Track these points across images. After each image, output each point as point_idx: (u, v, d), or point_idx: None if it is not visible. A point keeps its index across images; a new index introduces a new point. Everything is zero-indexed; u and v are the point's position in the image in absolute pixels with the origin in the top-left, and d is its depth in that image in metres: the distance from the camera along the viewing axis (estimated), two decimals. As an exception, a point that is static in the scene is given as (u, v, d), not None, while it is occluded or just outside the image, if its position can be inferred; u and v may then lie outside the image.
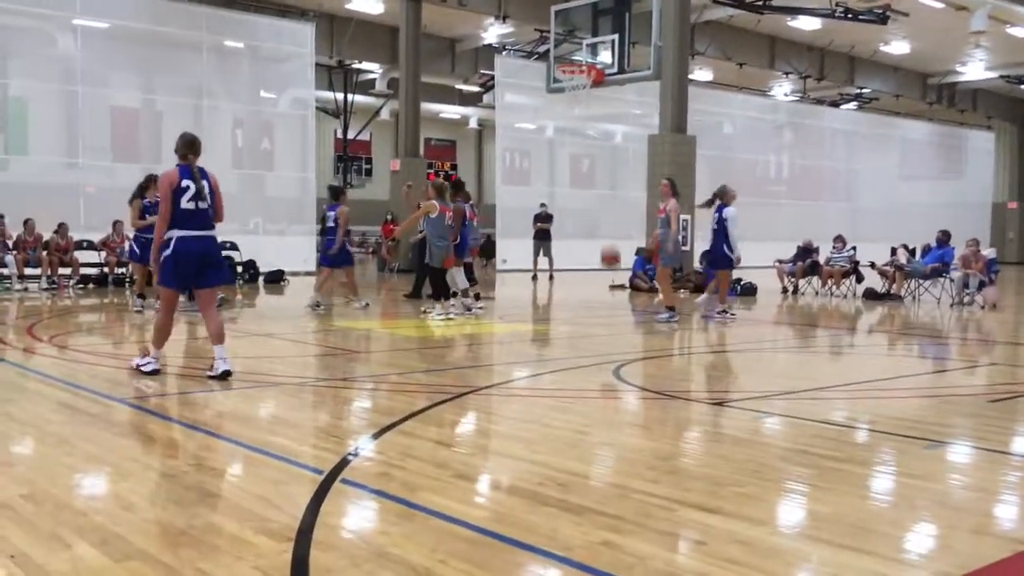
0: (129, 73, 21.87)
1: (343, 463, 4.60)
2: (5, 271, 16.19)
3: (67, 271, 17.12)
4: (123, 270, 17.76)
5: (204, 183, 6.95)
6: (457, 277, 12.48)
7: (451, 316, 11.85)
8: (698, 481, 4.41)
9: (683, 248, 19.50)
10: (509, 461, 4.90)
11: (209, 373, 7.10)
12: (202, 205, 6.93)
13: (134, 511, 3.84)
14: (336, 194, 13.55)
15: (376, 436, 5.28)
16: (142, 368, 7.18)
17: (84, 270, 17.45)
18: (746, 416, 6.15)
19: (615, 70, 16.00)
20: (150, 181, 11.99)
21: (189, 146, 6.98)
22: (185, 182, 6.89)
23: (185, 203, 6.87)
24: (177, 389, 6.96)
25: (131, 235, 13.42)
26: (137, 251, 12.63)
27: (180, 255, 6.90)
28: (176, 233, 6.90)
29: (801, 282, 18.76)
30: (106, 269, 17.69)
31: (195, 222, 6.92)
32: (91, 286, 17.41)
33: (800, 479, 4.49)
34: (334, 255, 13.20)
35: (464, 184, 13.69)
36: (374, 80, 33.40)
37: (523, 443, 5.25)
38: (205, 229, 6.99)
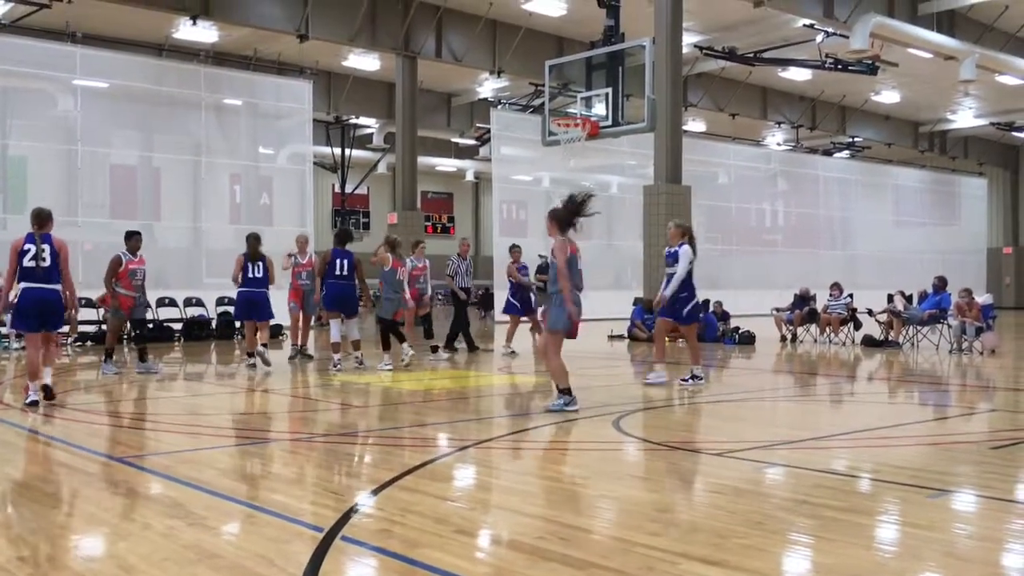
0: (128, 131, 22.05)
1: (343, 520, 4.57)
2: (4, 330, 16.16)
3: (65, 329, 17.05)
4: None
5: (45, 247, 8.42)
6: (331, 331, 12.69)
7: (390, 368, 12.17)
8: (701, 533, 4.38)
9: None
10: (510, 515, 4.86)
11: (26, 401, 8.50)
12: (42, 264, 8.39)
13: (133, 572, 3.81)
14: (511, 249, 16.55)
15: (376, 492, 5.24)
16: (27, 403, 8.47)
17: (82, 327, 17.42)
18: (748, 466, 6.12)
19: (609, 122, 16.14)
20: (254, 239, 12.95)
21: (35, 218, 8.61)
22: (27, 246, 8.45)
23: (26, 262, 8.43)
24: (174, 447, 6.93)
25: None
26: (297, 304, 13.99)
27: (23, 302, 8.49)
28: (22, 285, 8.46)
29: (799, 330, 18.77)
30: (104, 326, 17.66)
31: (34, 277, 8.40)
32: (89, 344, 17.39)
33: (803, 530, 4.46)
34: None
35: (350, 234, 13.64)
36: (371, 135, 33.74)
37: (524, 496, 5.22)
38: (44, 283, 8.42)
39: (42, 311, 8.44)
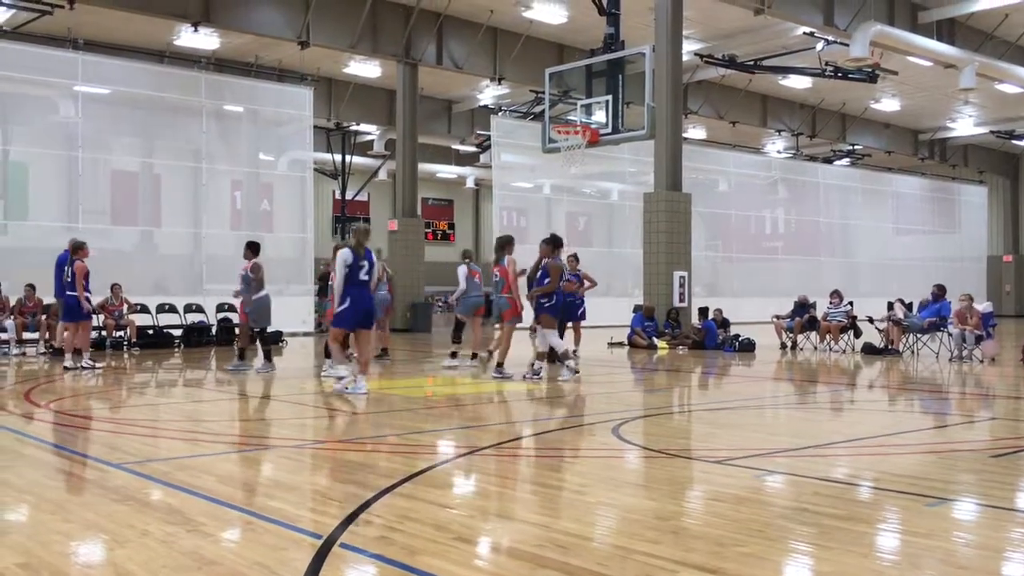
0: (129, 138, 22.11)
1: (342, 527, 4.56)
2: (4, 336, 16.17)
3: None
4: (121, 333, 17.74)
5: (69, 269, 12.99)
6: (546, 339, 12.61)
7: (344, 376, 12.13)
8: (700, 541, 4.37)
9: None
10: (509, 523, 4.86)
11: None
12: (68, 279, 12.99)
13: (131, 579, 3.80)
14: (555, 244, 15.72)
15: (375, 499, 5.23)
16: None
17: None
18: (747, 474, 6.12)
19: (610, 130, 16.16)
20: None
21: (71, 246, 13.16)
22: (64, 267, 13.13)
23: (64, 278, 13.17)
24: (173, 453, 6.92)
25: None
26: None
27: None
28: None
29: (799, 337, 18.77)
30: (104, 333, 17.67)
31: (63, 287, 13.17)
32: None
33: (803, 538, 4.45)
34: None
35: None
36: (372, 141, 33.78)
37: (523, 504, 5.21)
38: (68, 291, 13.10)
39: (66, 308, 13.30)
